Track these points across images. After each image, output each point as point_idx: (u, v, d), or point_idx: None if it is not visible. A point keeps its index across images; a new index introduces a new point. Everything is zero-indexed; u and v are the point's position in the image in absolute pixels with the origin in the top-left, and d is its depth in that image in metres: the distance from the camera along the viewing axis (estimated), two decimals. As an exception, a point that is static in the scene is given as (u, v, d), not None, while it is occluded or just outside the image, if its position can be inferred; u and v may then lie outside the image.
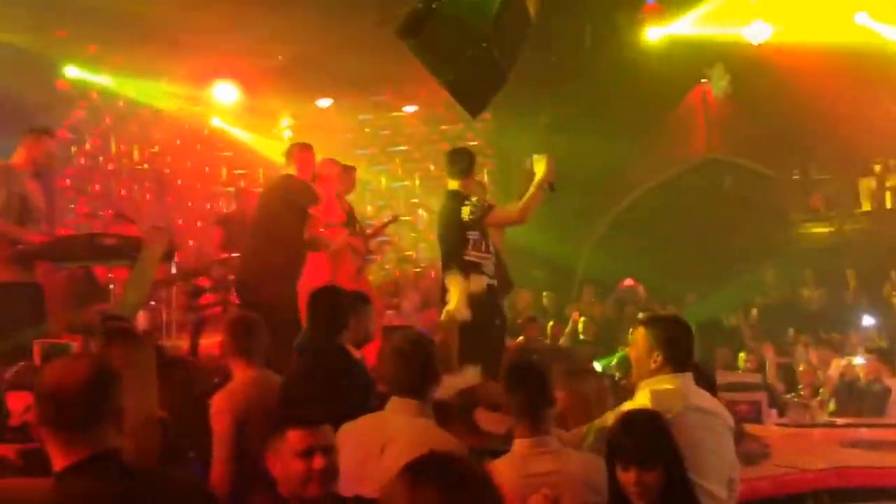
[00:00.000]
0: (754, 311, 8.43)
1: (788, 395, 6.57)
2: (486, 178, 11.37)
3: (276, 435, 2.57)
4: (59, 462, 2.09)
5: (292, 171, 6.05)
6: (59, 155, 5.92)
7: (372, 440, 3.08)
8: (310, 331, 4.09)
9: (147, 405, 3.34)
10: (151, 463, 3.19)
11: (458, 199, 5.34)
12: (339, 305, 4.07)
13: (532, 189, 5.27)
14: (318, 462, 2.50)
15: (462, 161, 5.52)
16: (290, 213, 5.87)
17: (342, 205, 6.97)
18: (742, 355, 7.44)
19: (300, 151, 6.17)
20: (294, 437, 2.52)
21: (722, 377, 6.17)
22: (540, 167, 5.28)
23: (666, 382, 3.29)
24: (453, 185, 5.48)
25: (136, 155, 10.86)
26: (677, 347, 3.34)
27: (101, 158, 10.46)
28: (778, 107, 9.34)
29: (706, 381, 3.51)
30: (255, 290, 5.65)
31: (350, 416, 3.23)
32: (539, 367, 3.23)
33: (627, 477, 2.74)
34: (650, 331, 3.37)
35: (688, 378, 3.35)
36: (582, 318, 8.46)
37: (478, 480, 1.83)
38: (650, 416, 2.93)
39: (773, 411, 5.97)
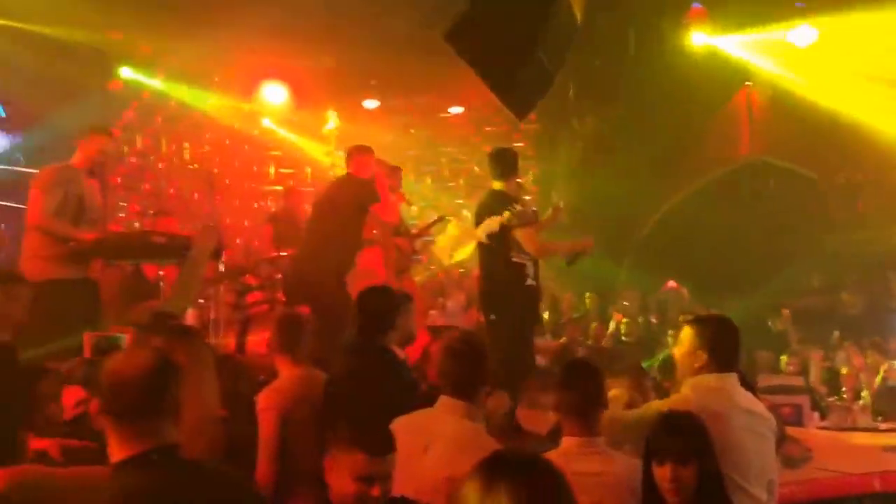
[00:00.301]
0: (786, 313, 8.31)
1: (831, 399, 6.48)
2: (530, 181, 11.46)
3: (341, 447, 2.53)
4: (117, 453, 2.16)
5: (352, 171, 6.21)
6: (114, 154, 6.09)
7: (417, 438, 3.09)
8: (357, 330, 4.09)
9: (210, 403, 3.42)
10: (215, 460, 3.25)
11: (504, 201, 5.38)
12: (386, 306, 4.08)
13: (563, 245, 5.39)
14: (376, 490, 2.47)
15: (504, 162, 5.59)
16: (351, 211, 6.02)
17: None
18: (784, 358, 7.36)
19: (360, 153, 6.33)
20: (358, 462, 2.48)
21: (764, 380, 6.12)
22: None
23: (710, 381, 3.31)
24: (497, 185, 5.52)
25: (185, 154, 11.11)
26: (723, 347, 3.36)
27: (151, 157, 10.72)
28: (823, 109, 9.20)
29: (746, 385, 3.51)
30: (312, 288, 5.78)
31: (391, 415, 3.20)
32: (595, 368, 3.23)
33: (663, 472, 2.75)
34: (697, 330, 3.39)
35: (733, 378, 3.36)
36: (624, 320, 8.44)
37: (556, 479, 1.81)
38: (689, 414, 2.96)
39: (816, 414, 5.91)
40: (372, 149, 6.50)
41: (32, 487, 2.41)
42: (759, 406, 3.45)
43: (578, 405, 3.05)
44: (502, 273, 5.39)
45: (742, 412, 3.28)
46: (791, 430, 5.02)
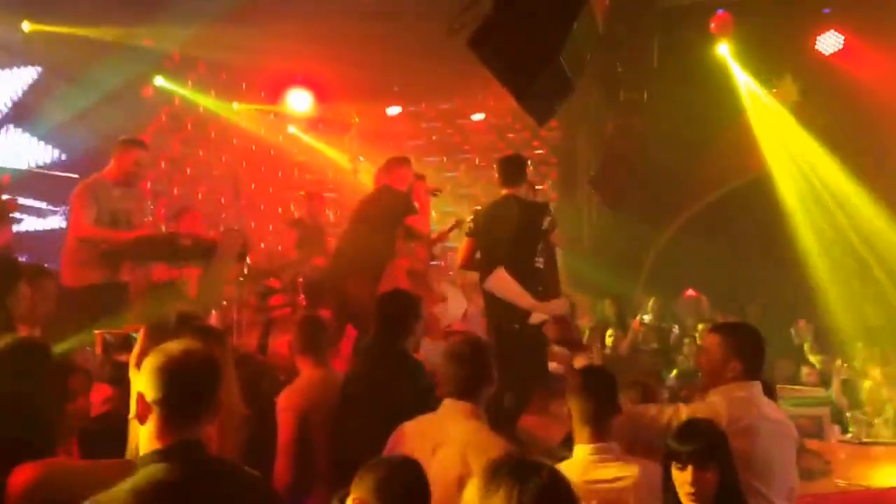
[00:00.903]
0: (802, 323, 8.24)
1: (852, 412, 6.43)
2: (550, 187, 11.49)
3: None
4: (149, 444, 2.21)
5: (389, 182, 6.38)
6: (149, 164, 6.26)
7: (424, 442, 3.13)
8: (375, 334, 4.12)
9: (236, 402, 3.50)
10: (236, 457, 3.32)
11: (540, 210, 5.52)
12: (406, 310, 4.09)
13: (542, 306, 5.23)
14: None
15: (520, 168, 5.65)
16: (387, 222, 6.20)
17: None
18: (804, 369, 7.31)
19: (398, 165, 6.48)
20: None
21: (784, 391, 6.09)
22: None
23: (739, 390, 3.32)
24: (519, 192, 5.53)
25: (213, 160, 11.27)
26: (754, 356, 3.37)
27: (180, 163, 10.88)
28: (848, 117, 9.12)
29: (768, 392, 3.52)
30: (346, 297, 5.95)
31: (405, 418, 3.31)
32: (609, 375, 3.24)
33: (684, 476, 2.77)
34: (727, 338, 3.39)
35: (758, 387, 3.37)
36: (642, 328, 8.42)
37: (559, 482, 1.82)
38: (709, 420, 2.98)
39: (836, 427, 5.87)
40: (409, 160, 6.65)
41: (60, 480, 2.48)
42: (781, 414, 3.46)
43: (592, 412, 3.07)
44: (531, 276, 5.37)
45: (768, 420, 3.30)
46: (811, 443, 5.00)
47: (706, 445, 2.79)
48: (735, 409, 3.23)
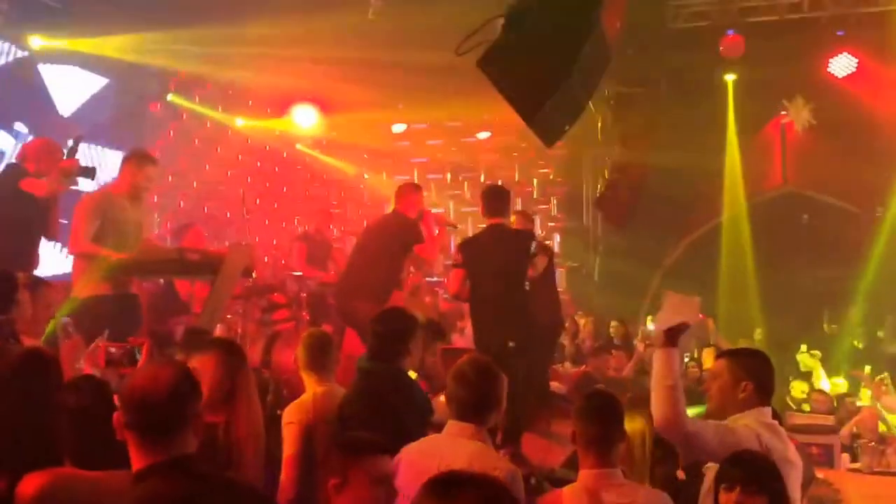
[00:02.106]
0: (803, 347, 8.20)
1: (863, 440, 6.37)
2: (553, 207, 11.50)
3: (347, 463, 2.58)
4: (137, 462, 2.21)
5: (399, 208, 6.50)
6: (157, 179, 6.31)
7: (428, 465, 3.02)
8: (371, 353, 4.11)
9: (257, 417, 3.52)
10: (256, 473, 3.34)
11: (525, 237, 5.78)
12: (403, 330, 4.08)
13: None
14: (392, 491, 2.52)
15: (504, 199, 5.85)
16: (395, 248, 6.36)
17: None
18: (814, 395, 7.25)
19: (409, 191, 6.62)
20: (376, 464, 2.53)
21: (794, 418, 6.04)
22: None
23: (763, 416, 3.26)
24: (505, 221, 5.79)
25: (219, 175, 11.31)
26: (766, 376, 3.33)
27: (187, 177, 10.92)
28: (861, 140, 9.13)
29: (776, 417, 3.48)
30: (353, 319, 6.12)
31: (406, 439, 3.30)
32: (615, 400, 3.21)
33: (729, 499, 2.75)
34: (736, 360, 3.35)
35: (770, 412, 3.34)
36: (648, 350, 8.37)
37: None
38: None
39: (846, 456, 5.81)
40: (420, 187, 6.81)
41: (67, 489, 2.49)
42: (786, 440, 3.43)
43: (599, 438, 3.04)
44: (522, 301, 5.55)
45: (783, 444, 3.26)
46: (821, 471, 4.95)
47: (759, 472, 2.78)
48: (770, 437, 3.18)
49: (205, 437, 2.78)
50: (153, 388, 2.23)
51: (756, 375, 3.30)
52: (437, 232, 6.69)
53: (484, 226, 5.84)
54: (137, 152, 5.87)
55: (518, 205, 9.96)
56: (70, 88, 9.12)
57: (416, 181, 10.10)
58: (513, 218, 6.36)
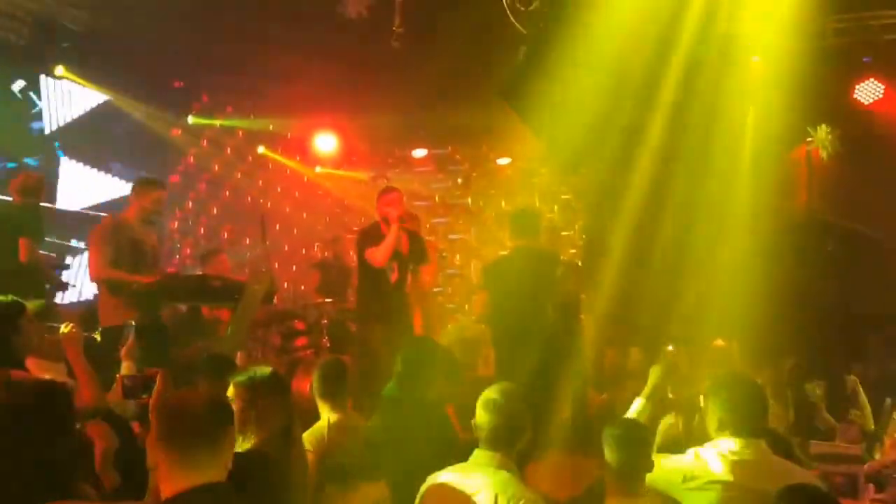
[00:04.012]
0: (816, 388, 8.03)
1: (889, 470, 6.23)
2: (574, 233, 11.46)
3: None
4: (168, 488, 2.22)
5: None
6: (169, 202, 6.39)
7: (457, 493, 3.09)
8: (396, 381, 4.11)
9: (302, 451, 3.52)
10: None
11: (551, 259, 5.80)
12: (428, 359, 4.10)
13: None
14: None
15: (531, 220, 5.85)
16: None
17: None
18: (840, 425, 7.11)
19: (378, 196, 6.45)
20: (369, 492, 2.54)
21: (817, 447, 5.92)
22: None
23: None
24: (531, 243, 5.74)
25: (239, 200, 11.40)
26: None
27: (207, 203, 11.01)
28: (888, 167, 9.03)
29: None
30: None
31: (429, 468, 3.28)
32: (643, 429, 3.20)
33: None
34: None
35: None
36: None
37: None
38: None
39: (871, 486, 5.69)
40: (390, 189, 6.42)
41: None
42: None
43: (626, 467, 3.03)
44: (545, 325, 5.52)
45: None
46: (845, 503, 4.84)
47: None
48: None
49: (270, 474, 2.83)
50: (191, 400, 2.30)
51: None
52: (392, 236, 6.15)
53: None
54: (143, 179, 5.99)
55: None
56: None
57: (435, 206, 10.18)
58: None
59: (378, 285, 6.12)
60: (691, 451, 3.15)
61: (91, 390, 3.75)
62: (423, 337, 4.66)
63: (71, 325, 4.00)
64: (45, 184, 6.70)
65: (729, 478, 2.97)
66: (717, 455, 3.05)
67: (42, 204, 6.47)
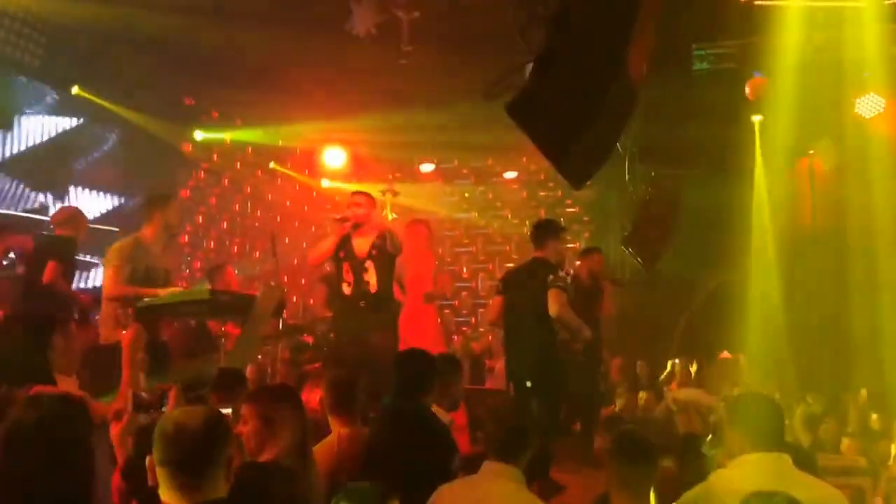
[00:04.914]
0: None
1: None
2: (582, 245, 11.49)
3: None
4: None
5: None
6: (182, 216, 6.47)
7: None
8: (394, 391, 4.16)
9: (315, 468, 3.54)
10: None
11: (551, 269, 5.83)
12: (424, 369, 4.13)
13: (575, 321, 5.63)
14: None
15: (543, 231, 6.15)
16: None
17: None
18: (845, 440, 7.11)
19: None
20: None
21: (825, 460, 5.93)
22: None
23: None
24: (546, 254, 5.99)
25: (249, 215, 11.47)
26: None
27: (217, 218, 11.08)
28: (889, 180, 9.04)
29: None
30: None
31: (430, 477, 3.33)
32: (648, 442, 3.21)
33: None
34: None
35: None
36: (676, 391, 8.27)
37: None
38: None
39: (878, 499, 5.70)
40: (361, 194, 6.95)
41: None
42: None
43: (633, 481, 3.04)
44: (539, 335, 5.66)
45: None
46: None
47: None
48: None
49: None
50: (187, 422, 2.27)
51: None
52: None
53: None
54: (157, 195, 5.98)
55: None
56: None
57: (442, 219, 10.22)
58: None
59: (335, 296, 6.65)
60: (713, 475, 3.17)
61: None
62: (418, 348, 4.71)
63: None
64: (82, 216, 6.96)
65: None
66: (741, 473, 3.07)
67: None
